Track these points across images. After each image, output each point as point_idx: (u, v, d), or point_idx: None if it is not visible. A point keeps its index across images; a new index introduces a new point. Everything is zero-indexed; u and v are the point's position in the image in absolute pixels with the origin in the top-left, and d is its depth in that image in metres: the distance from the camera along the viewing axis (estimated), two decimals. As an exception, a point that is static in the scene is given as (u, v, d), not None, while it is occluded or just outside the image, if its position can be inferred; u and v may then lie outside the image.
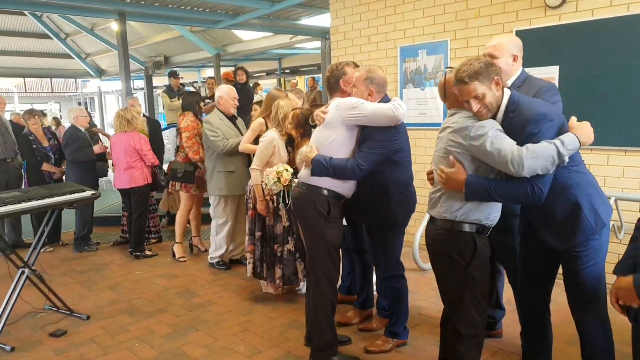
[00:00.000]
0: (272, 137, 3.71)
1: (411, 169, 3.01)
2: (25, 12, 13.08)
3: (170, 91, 7.62)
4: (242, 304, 3.90)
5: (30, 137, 5.41)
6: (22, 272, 3.44)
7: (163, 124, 7.59)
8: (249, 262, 3.90)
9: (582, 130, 2.11)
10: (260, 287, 4.12)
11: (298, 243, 3.72)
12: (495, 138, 2.05)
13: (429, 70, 4.93)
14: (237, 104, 4.42)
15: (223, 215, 4.54)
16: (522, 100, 2.16)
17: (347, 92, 2.90)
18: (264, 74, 16.78)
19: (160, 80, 17.91)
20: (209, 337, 3.36)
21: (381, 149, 2.72)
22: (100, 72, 17.70)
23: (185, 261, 4.91)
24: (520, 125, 2.09)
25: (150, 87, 14.72)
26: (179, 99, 7.51)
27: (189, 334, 3.43)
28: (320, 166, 2.72)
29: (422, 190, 3.51)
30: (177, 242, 5.01)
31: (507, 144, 2.03)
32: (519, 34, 4.04)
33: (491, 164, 2.11)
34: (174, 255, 5.02)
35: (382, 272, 3.08)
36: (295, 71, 15.77)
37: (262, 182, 3.58)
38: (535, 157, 1.99)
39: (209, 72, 17.24)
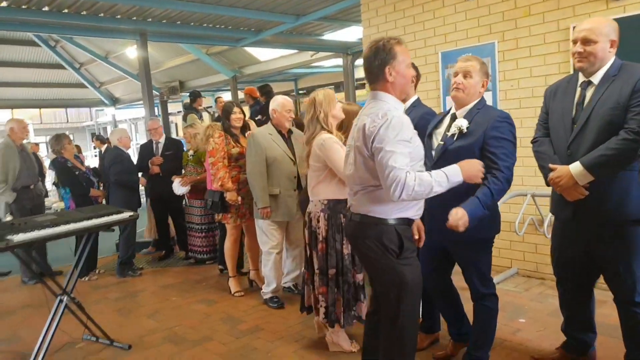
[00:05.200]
0: (330, 137, 3.03)
1: None
2: (40, 42, 13.16)
3: (195, 112, 7.40)
4: (293, 329, 3.58)
5: (69, 165, 5.18)
6: (61, 301, 3.17)
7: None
8: (321, 306, 3.14)
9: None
10: (327, 344, 3.24)
11: None
12: None
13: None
14: (293, 116, 4.06)
15: (267, 243, 4.00)
16: None
17: (393, 84, 2.17)
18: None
19: (175, 107, 17.92)
20: (264, 367, 3.05)
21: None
22: (114, 101, 17.75)
23: (242, 296, 4.36)
24: None
25: (165, 114, 14.66)
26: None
27: (241, 363, 3.12)
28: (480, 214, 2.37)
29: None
30: (230, 277, 4.51)
31: None
32: (578, 29, 3.79)
33: None
34: (231, 290, 4.47)
35: (474, 291, 2.68)
36: (311, 91, 15.64)
37: None
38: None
39: (225, 97, 17.22)
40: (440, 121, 2.73)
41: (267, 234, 3.99)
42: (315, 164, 3.08)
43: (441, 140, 2.60)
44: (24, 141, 5.40)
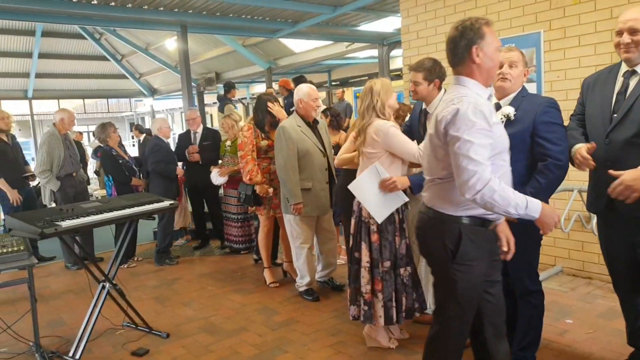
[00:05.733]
0: (386, 121, 2.94)
1: None
2: (86, 35, 13.55)
3: (230, 103, 7.47)
4: (328, 323, 3.56)
5: (113, 153, 5.29)
6: (103, 287, 3.24)
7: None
8: (381, 306, 2.96)
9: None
10: (364, 337, 3.18)
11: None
12: None
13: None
14: (320, 105, 4.03)
15: (299, 237, 3.94)
16: None
17: (479, 67, 1.95)
18: (313, 87, 16.65)
19: (210, 98, 18.16)
20: (300, 360, 3.04)
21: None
22: (152, 92, 18.13)
23: (277, 286, 4.37)
24: None
25: (202, 104, 14.87)
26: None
27: (277, 355, 3.12)
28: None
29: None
30: (265, 267, 4.53)
31: None
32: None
33: None
34: (266, 281, 4.50)
35: (521, 287, 2.57)
36: (344, 83, 15.57)
37: None
38: None
39: (258, 88, 17.32)
40: None
41: (297, 229, 3.94)
42: (371, 151, 2.97)
43: None
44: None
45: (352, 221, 3.11)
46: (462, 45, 1.93)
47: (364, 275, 3.01)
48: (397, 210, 2.96)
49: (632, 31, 2.25)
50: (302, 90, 3.93)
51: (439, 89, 3.02)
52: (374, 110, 2.96)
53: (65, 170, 5.18)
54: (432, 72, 2.95)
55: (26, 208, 5.18)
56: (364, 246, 3.01)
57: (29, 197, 5.45)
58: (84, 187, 5.50)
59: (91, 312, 3.21)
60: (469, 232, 1.96)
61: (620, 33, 2.30)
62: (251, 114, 4.59)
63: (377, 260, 2.97)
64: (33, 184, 5.97)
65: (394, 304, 2.96)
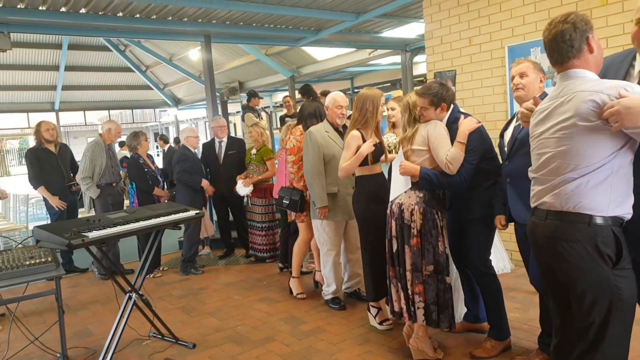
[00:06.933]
0: (437, 121, 2.96)
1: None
2: (111, 47, 13.83)
3: (253, 111, 7.50)
4: (356, 332, 3.51)
5: (141, 161, 5.35)
6: (130, 297, 3.25)
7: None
8: (419, 307, 2.94)
9: None
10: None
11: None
12: None
13: (545, 69, 4.41)
14: (345, 112, 4.01)
15: (326, 244, 3.94)
16: None
17: (594, 58, 1.90)
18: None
19: (234, 107, 18.32)
20: (327, 371, 2.99)
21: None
22: (176, 102, 18.37)
23: (304, 298, 4.30)
24: None
25: (225, 114, 15.01)
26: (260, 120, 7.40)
27: (304, 366, 3.09)
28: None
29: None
30: (292, 277, 4.43)
31: None
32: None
33: None
34: (291, 292, 4.43)
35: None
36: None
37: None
38: None
39: (281, 97, 17.39)
40: (509, 123, 2.94)
41: (324, 236, 3.93)
42: (417, 148, 2.95)
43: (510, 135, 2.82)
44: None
45: (393, 224, 3.05)
46: (578, 36, 1.86)
47: (408, 277, 2.97)
48: (438, 214, 2.94)
49: None
50: (329, 97, 3.99)
51: (447, 110, 3.01)
52: (416, 121, 3.01)
53: (106, 180, 5.31)
54: (439, 96, 2.93)
55: (68, 217, 5.33)
56: (406, 249, 2.97)
57: (71, 206, 5.57)
58: (121, 199, 5.56)
59: (118, 323, 3.22)
60: (619, 233, 1.79)
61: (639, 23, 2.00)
62: (274, 123, 4.59)
63: (416, 264, 2.93)
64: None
65: (436, 309, 2.91)
